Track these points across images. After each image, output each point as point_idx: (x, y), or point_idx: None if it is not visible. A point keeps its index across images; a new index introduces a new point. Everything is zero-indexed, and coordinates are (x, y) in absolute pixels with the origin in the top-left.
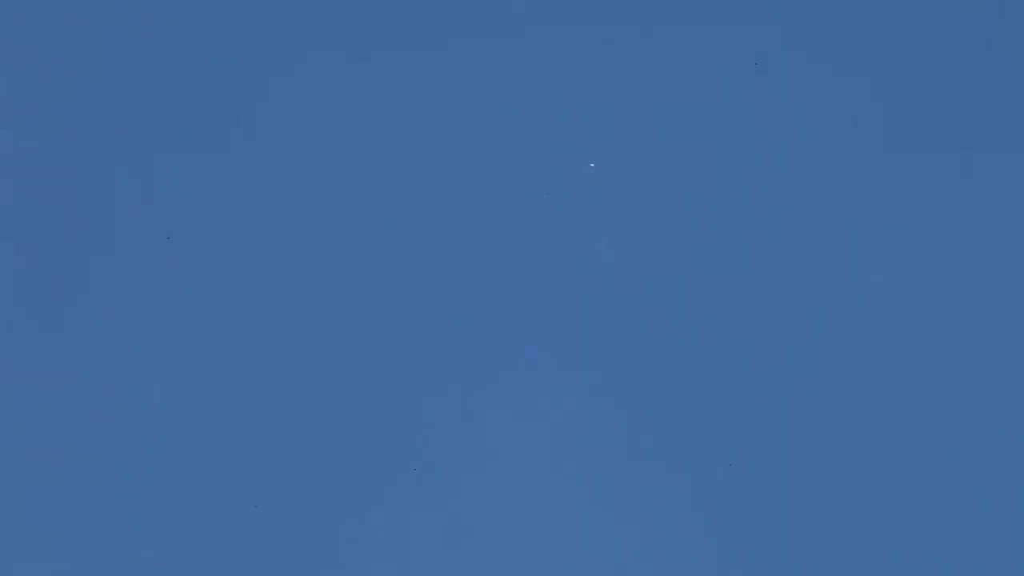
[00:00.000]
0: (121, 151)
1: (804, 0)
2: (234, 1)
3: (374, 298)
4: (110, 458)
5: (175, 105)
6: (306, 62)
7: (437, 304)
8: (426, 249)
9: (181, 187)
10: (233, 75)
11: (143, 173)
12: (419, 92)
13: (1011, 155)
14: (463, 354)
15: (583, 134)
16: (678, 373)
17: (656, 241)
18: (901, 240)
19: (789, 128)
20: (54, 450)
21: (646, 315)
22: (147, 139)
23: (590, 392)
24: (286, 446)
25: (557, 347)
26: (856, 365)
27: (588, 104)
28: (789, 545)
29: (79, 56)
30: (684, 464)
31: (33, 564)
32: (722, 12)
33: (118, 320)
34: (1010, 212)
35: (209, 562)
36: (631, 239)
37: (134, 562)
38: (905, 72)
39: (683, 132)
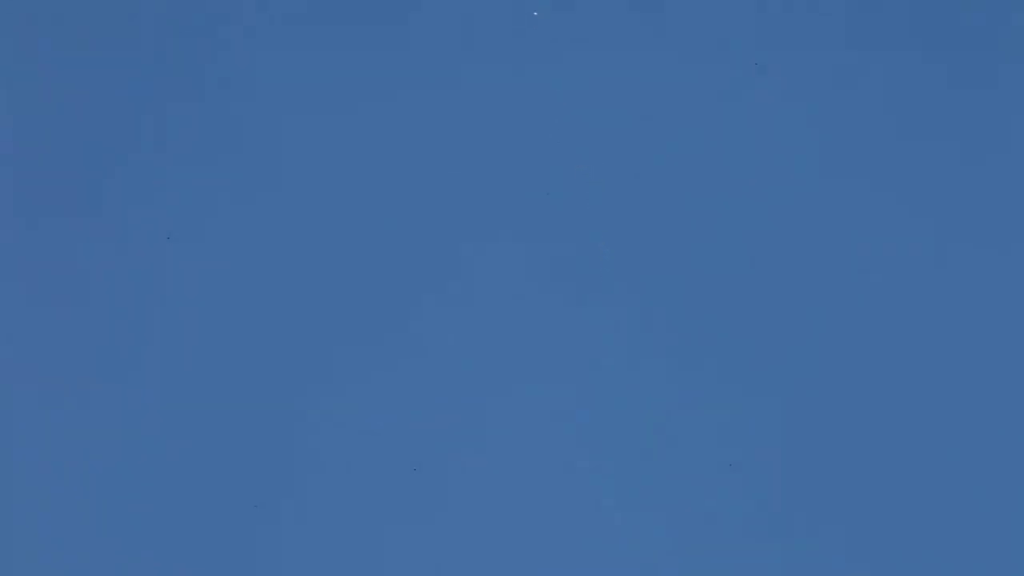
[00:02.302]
0: (121, 151)
1: (804, 0)
2: (232, 3)
3: (374, 297)
4: (108, 457)
5: (176, 105)
6: (305, 61)
7: (437, 305)
8: (428, 251)
9: (181, 187)
10: (233, 75)
11: (143, 173)
12: (417, 91)
13: (1013, 154)
14: (463, 353)
15: (583, 134)
16: (678, 373)
17: (656, 241)
18: (902, 240)
19: (789, 128)
20: (54, 450)
21: (645, 315)
22: (147, 139)
23: (590, 393)
24: (286, 445)
25: (556, 347)
26: (856, 365)
27: (587, 104)
28: (789, 545)
29: (79, 56)
30: (684, 463)
31: (33, 564)
32: (722, 12)
33: (118, 319)
34: (1012, 211)
35: (209, 562)
36: (630, 239)
37: (134, 562)
38: (906, 72)
39: (682, 133)
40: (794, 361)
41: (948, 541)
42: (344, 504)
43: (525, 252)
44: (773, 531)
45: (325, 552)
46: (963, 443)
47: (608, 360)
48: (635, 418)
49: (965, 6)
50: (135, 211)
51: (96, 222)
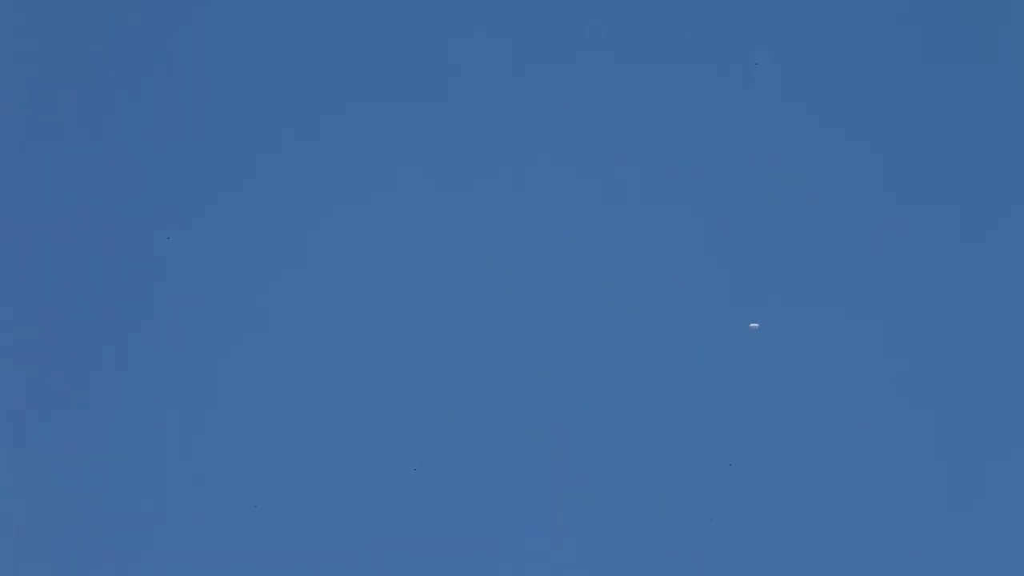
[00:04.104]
0: (121, 152)
1: (804, 1)
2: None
3: (374, 299)
4: (108, 457)
5: (176, 105)
6: (307, 61)
7: (436, 308)
8: (428, 251)
9: (181, 187)
10: (233, 75)
11: (143, 173)
12: (416, 94)
13: (1015, 153)
14: (463, 352)
15: (582, 135)
16: (678, 373)
17: (654, 246)
18: (903, 241)
19: (789, 129)
20: (53, 450)
21: (645, 316)
22: (147, 140)
23: (590, 392)
24: (285, 445)
25: (555, 347)
26: (857, 366)
27: (585, 104)
28: (789, 545)
29: (79, 55)
30: (684, 463)
31: (33, 564)
32: (722, 12)
33: (117, 319)
34: (1014, 210)
35: (209, 562)
36: (629, 243)
37: (134, 561)
38: (906, 73)
39: (681, 134)
40: (794, 361)
41: (949, 542)
42: (344, 504)
43: (524, 251)
44: (773, 531)
45: (324, 552)
46: (964, 445)
47: (608, 360)
48: (635, 418)
49: (966, 5)
50: (135, 211)
51: (96, 222)
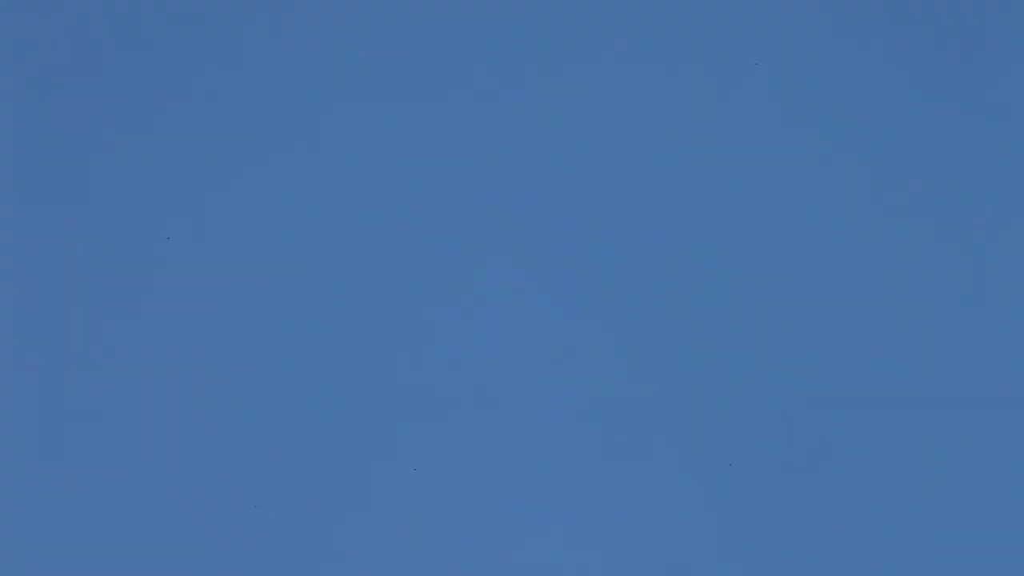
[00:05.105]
0: (121, 151)
1: (804, 0)
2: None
3: (374, 297)
4: (108, 457)
5: (175, 105)
6: (308, 61)
7: (437, 304)
8: (429, 250)
9: (181, 187)
10: (233, 73)
11: (143, 173)
12: (419, 92)
13: (1015, 153)
14: (463, 352)
15: (582, 135)
16: (677, 373)
17: (658, 241)
18: (904, 239)
19: (789, 128)
20: (53, 450)
21: (645, 316)
22: (147, 139)
23: (590, 393)
24: (285, 445)
25: (556, 348)
26: (857, 366)
27: (585, 104)
28: (789, 545)
29: (78, 54)
30: (684, 464)
31: (33, 564)
32: (722, 12)
33: (117, 319)
34: (1013, 208)
35: (210, 562)
36: (634, 239)
37: (134, 561)
38: (907, 72)
39: (682, 132)
40: (794, 361)
41: (947, 542)
42: (344, 504)
43: (526, 252)
44: (773, 531)
45: (325, 552)
46: (962, 444)
47: (608, 360)
48: (635, 418)
49: (967, 5)
50: (135, 211)
51: (96, 222)
